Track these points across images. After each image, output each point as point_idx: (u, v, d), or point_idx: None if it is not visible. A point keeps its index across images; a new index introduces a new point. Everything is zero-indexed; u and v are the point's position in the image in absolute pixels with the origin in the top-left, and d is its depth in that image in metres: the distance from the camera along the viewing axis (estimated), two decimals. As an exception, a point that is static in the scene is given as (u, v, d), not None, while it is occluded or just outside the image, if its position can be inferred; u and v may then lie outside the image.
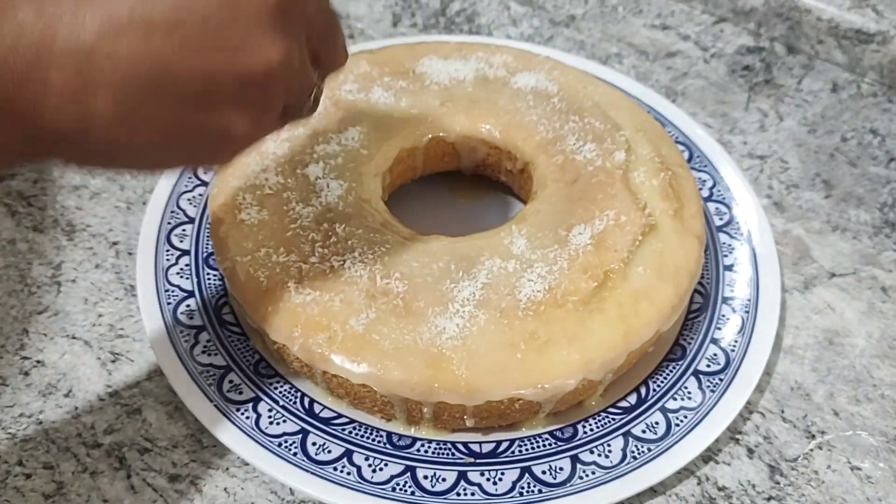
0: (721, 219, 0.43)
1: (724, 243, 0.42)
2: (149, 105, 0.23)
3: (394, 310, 0.33)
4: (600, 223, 0.36)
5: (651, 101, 0.47)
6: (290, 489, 0.34)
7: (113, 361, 0.37)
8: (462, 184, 0.44)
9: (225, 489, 0.34)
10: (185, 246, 0.40)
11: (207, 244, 0.40)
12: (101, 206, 0.43)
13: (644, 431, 0.35)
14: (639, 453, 0.34)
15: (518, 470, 0.33)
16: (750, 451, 0.36)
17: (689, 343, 0.38)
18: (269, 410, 0.35)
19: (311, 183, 0.38)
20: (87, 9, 0.22)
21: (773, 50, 0.54)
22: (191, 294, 0.38)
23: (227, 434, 0.34)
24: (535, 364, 0.32)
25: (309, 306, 0.33)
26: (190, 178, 0.42)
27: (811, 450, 0.36)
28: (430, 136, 0.41)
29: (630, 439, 0.35)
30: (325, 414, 0.35)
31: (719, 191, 0.44)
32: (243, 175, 0.38)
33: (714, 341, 0.38)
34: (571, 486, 0.33)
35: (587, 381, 0.34)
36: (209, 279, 0.39)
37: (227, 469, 0.34)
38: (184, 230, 0.40)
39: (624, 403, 0.36)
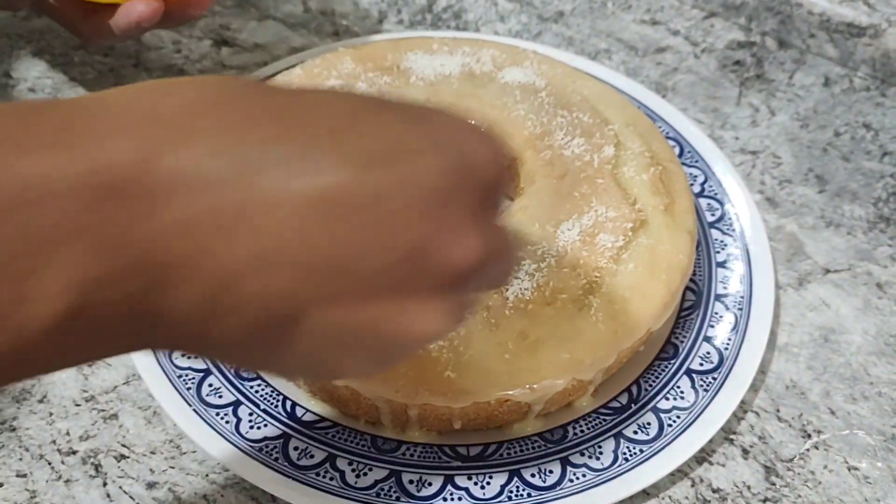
0: (713, 215, 0.42)
1: (716, 239, 0.41)
2: (283, 338, 0.20)
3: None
4: (589, 219, 0.35)
5: (641, 97, 0.47)
6: (272, 496, 0.33)
7: (89, 365, 0.36)
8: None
9: (205, 496, 0.33)
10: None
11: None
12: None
13: (636, 432, 0.34)
14: (631, 455, 0.33)
15: (506, 473, 0.32)
16: (745, 452, 0.35)
17: (682, 341, 0.37)
18: (250, 414, 0.34)
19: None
20: (236, 234, 0.18)
21: (764, 44, 0.53)
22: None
23: (206, 439, 0.33)
24: (524, 364, 0.32)
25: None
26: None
27: (807, 450, 0.36)
28: (415, 132, 0.40)
29: (622, 440, 0.34)
30: (308, 417, 0.34)
31: (711, 186, 0.43)
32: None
33: (707, 339, 0.37)
34: (562, 489, 0.32)
35: (577, 382, 0.33)
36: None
37: (207, 475, 0.33)
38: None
39: (615, 404, 0.35)
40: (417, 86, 0.41)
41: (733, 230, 0.41)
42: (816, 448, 0.36)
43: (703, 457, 0.35)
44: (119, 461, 0.33)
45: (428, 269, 0.20)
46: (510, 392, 0.31)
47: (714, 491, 0.34)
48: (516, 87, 0.41)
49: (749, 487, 0.34)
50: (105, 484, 0.33)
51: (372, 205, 0.19)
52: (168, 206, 0.17)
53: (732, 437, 0.36)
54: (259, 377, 0.35)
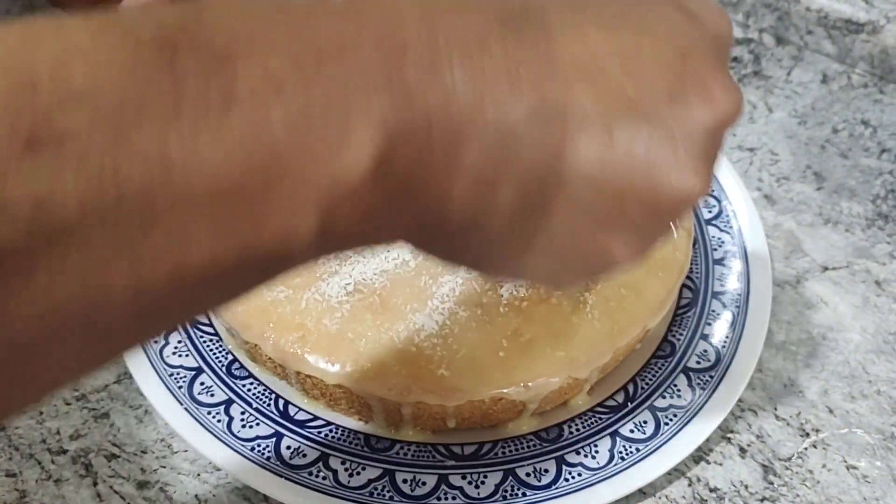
0: (710, 212, 0.41)
1: (713, 237, 0.41)
2: (549, 210, 0.19)
3: (370, 307, 0.32)
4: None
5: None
6: (265, 495, 0.32)
7: (80, 364, 0.36)
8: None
9: (196, 496, 0.32)
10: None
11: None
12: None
13: (632, 431, 0.34)
14: (627, 454, 0.33)
15: (501, 472, 0.32)
16: (742, 451, 0.35)
17: (679, 339, 0.37)
18: (242, 413, 0.33)
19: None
20: (524, 86, 0.18)
21: (761, 41, 0.53)
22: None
23: (198, 438, 0.32)
24: (519, 362, 0.31)
25: (281, 304, 0.32)
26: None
27: (805, 448, 0.35)
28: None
29: (618, 439, 0.33)
30: (301, 416, 0.33)
31: (708, 183, 0.42)
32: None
33: (704, 337, 0.37)
34: (557, 488, 0.32)
35: (573, 380, 0.32)
36: (181, 278, 0.37)
37: (199, 475, 0.33)
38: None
39: (611, 402, 0.35)
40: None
41: (731, 227, 0.41)
42: (815, 447, 0.35)
43: (700, 456, 0.34)
44: (110, 460, 0.33)
45: (696, 117, 0.20)
46: (504, 390, 0.31)
47: (711, 490, 0.34)
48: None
49: (747, 487, 0.34)
50: (95, 483, 0.32)
51: (640, 54, 0.19)
52: (452, 62, 0.18)
53: (730, 435, 0.35)
54: (251, 376, 0.34)
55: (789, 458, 0.35)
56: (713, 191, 0.42)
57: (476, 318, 0.32)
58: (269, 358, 0.32)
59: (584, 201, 0.19)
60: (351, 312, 0.32)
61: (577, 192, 0.19)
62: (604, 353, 0.32)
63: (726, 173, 0.43)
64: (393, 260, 0.33)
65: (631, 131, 0.19)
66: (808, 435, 0.36)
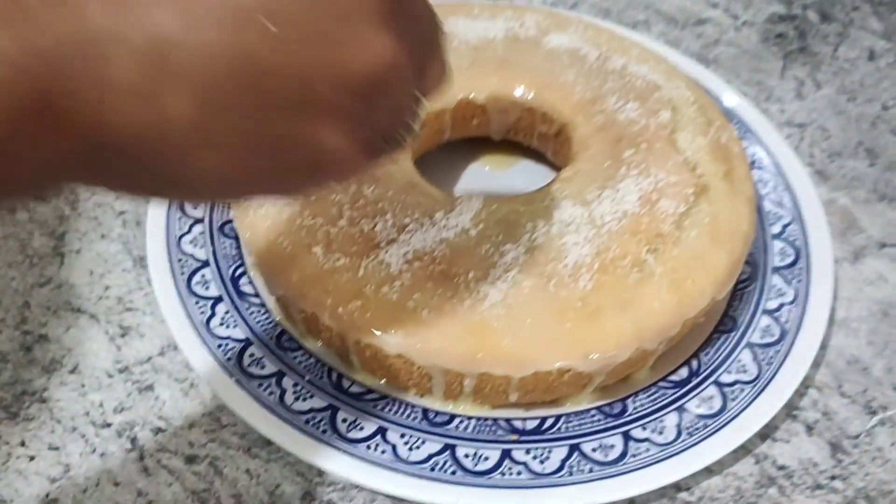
0: (765, 186, 0.40)
1: (769, 211, 0.39)
2: (233, 109, 0.19)
3: (431, 275, 0.31)
4: (649, 184, 0.34)
5: (685, 67, 0.45)
6: (319, 470, 0.31)
7: (122, 336, 0.35)
8: (490, 150, 0.42)
9: (247, 471, 0.31)
10: (198, 214, 0.37)
11: (222, 212, 0.37)
12: (106, 175, 0.40)
13: (698, 406, 0.33)
14: (694, 430, 0.32)
15: (566, 447, 0.31)
16: (809, 428, 0.34)
17: (740, 314, 0.36)
18: (295, 385, 0.32)
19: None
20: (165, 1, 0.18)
21: (806, 18, 0.52)
22: (205, 263, 0.35)
23: (248, 411, 0.31)
24: (586, 333, 0.30)
25: (338, 272, 0.31)
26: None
27: (873, 426, 0.34)
28: (459, 97, 0.39)
29: (684, 415, 0.32)
30: (355, 389, 0.32)
31: (760, 158, 0.41)
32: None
33: (767, 312, 0.36)
34: (624, 464, 0.30)
35: (640, 352, 0.31)
36: (225, 248, 0.36)
37: (249, 449, 0.32)
38: (197, 197, 0.38)
39: (675, 377, 0.34)
40: (460, 50, 0.39)
41: (786, 202, 0.40)
42: (882, 424, 0.34)
43: (765, 433, 0.33)
44: (156, 434, 0.32)
45: (334, 81, 0.19)
46: (573, 362, 0.30)
47: (780, 468, 0.33)
48: (563, 52, 0.39)
49: (816, 464, 0.33)
50: (142, 458, 0.31)
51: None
52: None
53: (795, 412, 0.34)
54: (301, 348, 0.33)
55: (857, 436, 0.34)
56: (765, 165, 0.41)
57: (541, 287, 0.30)
58: (327, 327, 0.31)
59: (269, 91, 0.19)
60: (412, 281, 0.30)
61: (258, 84, 0.19)
62: (673, 324, 0.31)
63: (779, 147, 0.42)
64: (453, 228, 0.32)
65: (295, 13, 0.19)
66: (875, 412, 0.34)
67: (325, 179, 0.22)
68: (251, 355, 0.33)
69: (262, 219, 0.32)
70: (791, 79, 0.48)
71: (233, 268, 0.35)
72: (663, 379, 0.34)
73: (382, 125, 0.21)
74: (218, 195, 0.22)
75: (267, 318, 0.34)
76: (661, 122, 0.36)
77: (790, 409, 0.34)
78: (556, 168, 0.41)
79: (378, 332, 0.30)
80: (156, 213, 0.37)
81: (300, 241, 0.32)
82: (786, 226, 0.39)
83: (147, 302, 0.36)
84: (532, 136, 0.40)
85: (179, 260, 0.35)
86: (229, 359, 0.32)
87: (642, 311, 0.31)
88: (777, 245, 0.38)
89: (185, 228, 0.36)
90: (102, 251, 0.37)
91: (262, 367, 0.32)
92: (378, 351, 0.30)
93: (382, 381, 0.32)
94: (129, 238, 0.38)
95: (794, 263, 0.37)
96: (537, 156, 0.41)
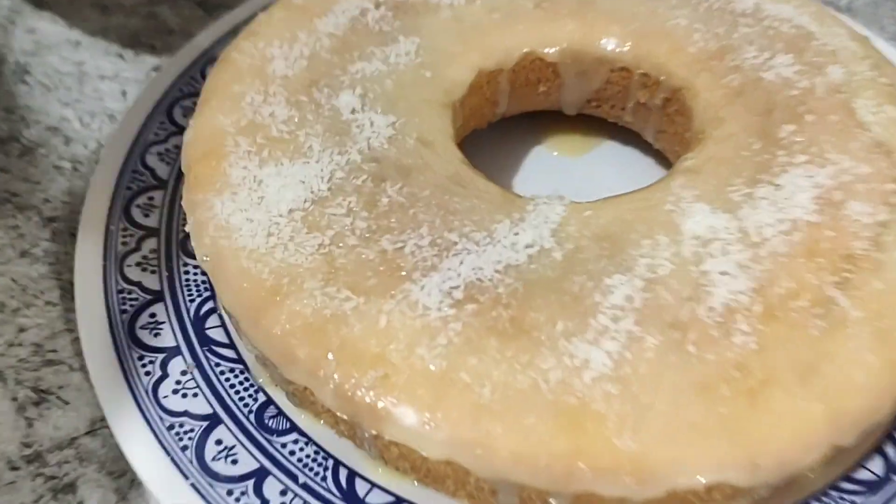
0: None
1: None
2: None
3: (494, 326, 0.19)
4: (826, 177, 0.22)
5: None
6: None
7: (36, 404, 0.24)
8: (559, 129, 0.30)
9: None
10: (151, 223, 0.26)
11: (185, 221, 0.26)
12: (36, 167, 0.29)
13: (901, 523, 0.21)
14: (906, 565, 0.20)
15: None
16: None
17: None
18: (282, 493, 0.21)
19: (344, 120, 0.24)
20: None
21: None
22: (158, 297, 0.24)
23: (213, 531, 0.20)
24: (749, 422, 0.18)
25: (347, 320, 0.19)
26: (162, 123, 0.28)
27: None
28: (522, 51, 0.27)
29: (880, 536, 0.21)
30: (376, 499, 0.21)
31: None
32: (235, 108, 0.24)
33: None
34: None
35: (834, 449, 0.19)
36: (189, 274, 0.25)
37: (214, 590, 0.21)
38: (150, 199, 0.26)
39: (863, 474, 0.22)
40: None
41: None
42: None
43: None
44: (75, 563, 0.21)
45: None
46: (733, 473, 0.18)
47: None
48: (671, -15, 0.28)
49: None
50: None
51: None
52: None
53: None
54: (294, 429, 0.22)
55: None
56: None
57: (673, 346, 0.19)
58: (328, 410, 0.20)
59: None
60: (464, 336, 0.19)
61: None
62: (882, 402, 0.19)
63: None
64: (526, 249, 0.21)
65: None
66: None
67: None
68: (218, 442, 0.21)
69: (230, 231, 0.21)
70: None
71: (197, 303, 0.24)
72: (846, 478, 0.22)
73: None
74: None
75: (244, 381, 0.23)
76: (831, 83, 0.24)
77: None
78: (660, 154, 0.29)
79: (409, 424, 0.18)
80: (92, 221, 0.26)
81: (288, 269, 0.20)
82: None
83: (76, 351, 0.25)
84: (625, 109, 0.28)
85: (121, 291, 0.24)
86: (185, 447, 0.21)
87: (837, 384, 0.19)
88: None
89: (132, 244, 0.25)
90: (21, 275, 0.27)
91: (235, 463, 0.21)
92: (412, 451, 0.19)
93: (422, 486, 0.21)
94: (59, 256, 0.27)
95: None
96: (624, 135, 0.30)
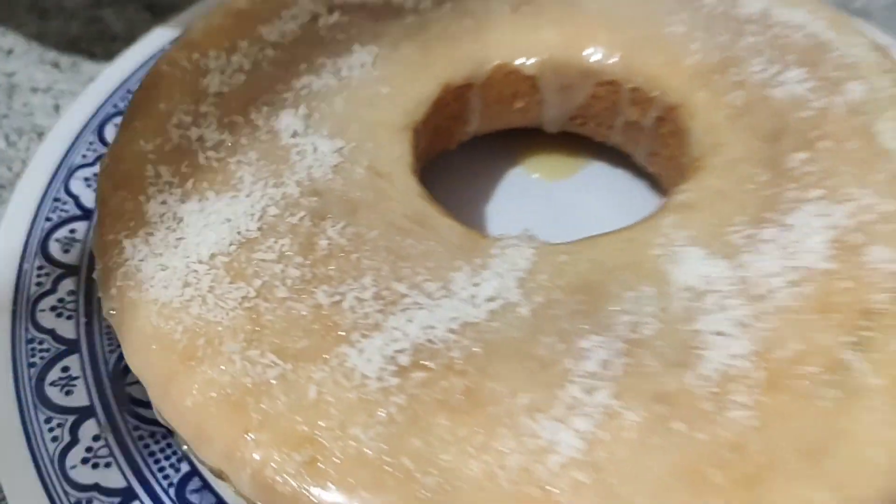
0: None
1: None
2: None
3: (445, 400, 0.16)
4: (844, 216, 0.19)
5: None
6: None
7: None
8: (539, 150, 0.27)
9: None
10: (70, 259, 0.23)
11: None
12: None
13: None
14: None
15: None
16: None
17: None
18: (203, 584, 0.18)
19: (283, 145, 0.20)
20: None
21: None
22: (73, 347, 0.21)
23: None
24: (748, 518, 0.15)
25: (271, 391, 0.16)
26: (91, 143, 0.25)
27: None
28: (494, 63, 0.24)
29: None
30: (311, 590, 0.18)
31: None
32: (161, 130, 0.21)
33: None
34: None
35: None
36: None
37: None
38: (72, 233, 0.23)
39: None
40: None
41: None
42: None
43: None
44: None
45: None
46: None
47: None
48: (666, -13, 0.24)
49: None
50: None
51: None
52: None
53: None
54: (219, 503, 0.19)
55: None
56: None
57: (657, 424, 0.16)
58: (246, 497, 0.17)
59: None
60: (407, 412, 0.16)
61: None
62: (907, 489, 0.16)
63: None
64: (487, 302, 0.17)
65: None
66: None
67: None
68: (134, 525, 0.19)
69: (141, 280, 0.18)
70: None
71: (117, 354, 0.21)
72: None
73: None
74: None
75: (167, 448, 0.20)
76: (850, 102, 0.21)
77: None
78: (653, 177, 0.26)
79: (341, 522, 0.15)
80: (3, 258, 0.23)
81: (204, 327, 0.17)
82: None
83: (-16, 406, 0.22)
84: (613, 128, 0.25)
85: (30, 341, 0.21)
86: (94, 529, 0.18)
87: (850, 467, 0.16)
88: None
89: (47, 285, 0.22)
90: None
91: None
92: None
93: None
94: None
95: None
96: (613, 156, 0.27)
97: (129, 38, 0.31)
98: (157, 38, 0.28)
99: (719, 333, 0.17)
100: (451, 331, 0.17)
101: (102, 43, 0.30)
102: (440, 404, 0.16)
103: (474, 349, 0.17)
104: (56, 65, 0.29)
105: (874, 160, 0.20)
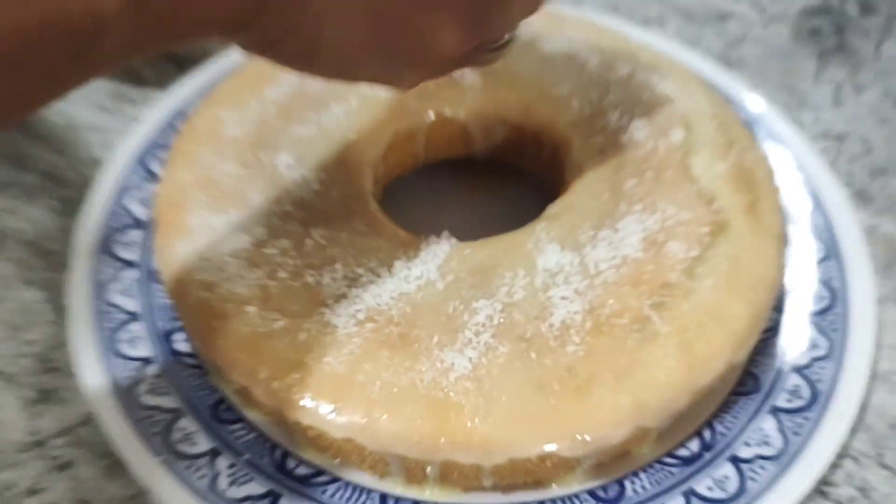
0: (794, 212, 0.34)
1: (799, 245, 0.34)
2: None
3: (386, 340, 0.25)
4: (654, 222, 0.28)
5: (703, 71, 0.39)
6: (257, 570, 0.26)
7: (40, 402, 0.30)
8: (475, 173, 0.36)
9: (174, 569, 0.26)
10: (130, 256, 0.32)
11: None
12: (35, 207, 0.36)
13: (710, 488, 0.27)
14: (706, 520, 0.26)
15: (550, 544, 0.26)
16: (845, 511, 0.28)
17: (764, 372, 0.30)
18: (231, 466, 0.27)
19: (281, 175, 0.30)
20: None
21: (844, 11, 0.45)
22: (135, 316, 0.30)
23: (176, 496, 0.26)
24: (573, 410, 0.25)
25: (275, 337, 0.26)
26: (138, 168, 0.35)
27: (924, 508, 0.28)
28: (433, 115, 0.33)
29: (693, 499, 0.27)
30: (302, 471, 0.27)
31: (790, 177, 0.35)
32: (195, 164, 0.30)
33: (796, 370, 0.30)
34: (621, 566, 0.25)
35: (640, 430, 0.26)
36: (159, 298, 0.31)
37: (177, 543, 0.27)
38: (130, 237, 0.33)
39: (683, 452, 0.28)
40: (436, 58, 0.34)
41: (821, 232, 0.34)
42: (936, 506, 0.28)
43: (793, 518, 0.28)
44: (71, 523, 0.27)
45: None
46: (556, 446, 0.24)
47: (811, 564, 0.27)
48: (559, 57, 0.34)
49: (855, 559, 0.27)
50: (53, 552, 0.27)
51: None
52: None
53: (826, 489, 0.29)
54: (241, 420, 0.28)
55: (905, 522, 0.28)
56: (789, 185, 0.35)
57: (519, 354, 0.25)
58: (261, 403, 0.26)
59: None
60: (363, 348, 0.25)
61: None
62: (679, 396, 0.26)
63: (812, 165, 0.36)
64: (415, 280, 0.27)
65: None
66: (926, 491, 0.29)
67: (427, 73, 0.24)
68: (181, 429, 0.28)
69: (189, 268, 0.28)
70: (827, 82, 0.42)
71: (166, 322, 0.30)
72: (669, 454, 0.28)
73: (494, 30, 0.24)
74: (333, 66, 0.23)
75: (204, 384, 0.29)
76: (672, 143, 0.30)
77: (820, 485, 0.29)
78: (555, 196, 0.35)
79: (319, 412, 0.25)
80: (80, 253, 0.32)
81: (233, 296, 0.27)
82: (819, 261, 0.33)
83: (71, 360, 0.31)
84: (522, 159, 0.35)
85: (103, 311, 0.30)
86: (156, 433, 0.28)
87: (643, 382, 0.25)
88: (809, 286, 0.32)
89: (113, 274, 0.31)
90: (24, 300, 0.33)
91: (194, 444, 0.27)
92: (322, 433, 0.25)
93: (336, 461, 0.27)
94: (56, 284, 0.33)
95: (829, 308, 0.32)
96: (521, 177, 0.36)
97: (159, 85, 0.40)
98: (183, 91, 0.38)
99: (564, 298, 0.26)
100: (392, 298, 0.26)
101: (139, 90, 0.40)
102: (383, 343, 0.25)
103: (406, 309, 0.26)
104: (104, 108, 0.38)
105: (682, 184, 0.29)
